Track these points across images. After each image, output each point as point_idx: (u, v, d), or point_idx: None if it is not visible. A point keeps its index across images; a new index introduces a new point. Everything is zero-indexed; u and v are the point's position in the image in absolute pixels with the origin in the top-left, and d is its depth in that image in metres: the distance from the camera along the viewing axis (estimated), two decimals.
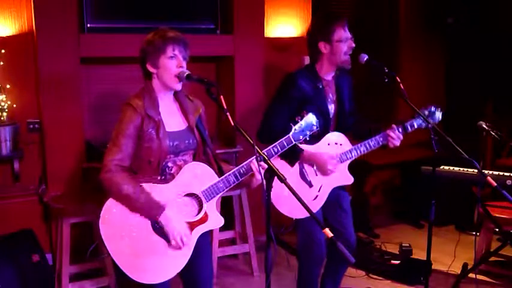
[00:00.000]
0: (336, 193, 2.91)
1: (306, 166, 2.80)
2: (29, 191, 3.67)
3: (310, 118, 2.31)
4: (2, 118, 3.47)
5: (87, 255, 3.64)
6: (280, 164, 2.74)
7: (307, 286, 2.98)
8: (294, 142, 2.29)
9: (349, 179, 2.88)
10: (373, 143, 2.83)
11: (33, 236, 3.38)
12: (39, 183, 3.62)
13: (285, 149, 2.29)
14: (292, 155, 2.71)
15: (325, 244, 2.90)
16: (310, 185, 2.79)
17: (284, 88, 2.80)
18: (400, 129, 2.83)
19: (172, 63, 2.19)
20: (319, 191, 2.81)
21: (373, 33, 5.22)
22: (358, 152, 2.84)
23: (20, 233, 3.36)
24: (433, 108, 2.91)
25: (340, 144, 2.85)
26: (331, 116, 2.87)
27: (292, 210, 2.73)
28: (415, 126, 2.88)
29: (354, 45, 2.79)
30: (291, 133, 2.29)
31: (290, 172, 2.76)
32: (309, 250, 2.90)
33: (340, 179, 2.86)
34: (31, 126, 3.66)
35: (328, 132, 2.85)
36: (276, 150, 2.27)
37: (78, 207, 3.26)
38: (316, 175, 2.81)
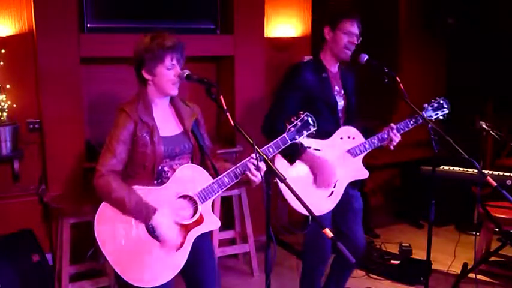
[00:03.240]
0: (349, 194, 2.88)
1: None
2: (29, 191, 3.67)
3: (306, 118, 2.30)
4: (2, 118, 3.47)
5: (85, 259, 3.63)
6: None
7: (310, 283, 2.98)
8: (289, 142, 2.29)
9: (364, 173, 2.86)
10: (385, 135, 2.82)
11: (33, 236, 3.38)
12: (39, 183, 3.62)
13: (281, 149, 2.29)
14: (294, 153, 2.67)
15: (330, 244, 2.87)
16: (318, 186, 2.74)
17: (289, 78, 2.81)
18: (412, 121, 2.83)
19: (170, 73, 2.19)
20: (334, 186, 2.77)
21: (373, 33, 5.21)
22: (372, 145, 2.82)
23: (20, 233, 3.36)
24: (441, 101, 2.91)
25: (353, 138, 2.83)
26: (339, 108, 2.85)
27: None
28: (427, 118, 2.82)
29: (356, 42, 2.79)
30: (286, 133, 2.29)
31: (304, 168, 2.73)
32: (316, 248, 2.89)
33: (355, 173, 2.84)
34: (31, 126, 3.65)
35: (339, 126, 2.84)
36: (271, 150, 2.27)
37: (78, 207, 3.26)
38: None
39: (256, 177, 2.20)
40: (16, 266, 3.18)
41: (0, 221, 3.54)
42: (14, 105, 3.57)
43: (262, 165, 2.12)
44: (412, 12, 5.42)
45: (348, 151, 2.81)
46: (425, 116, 2.81)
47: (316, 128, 2.32)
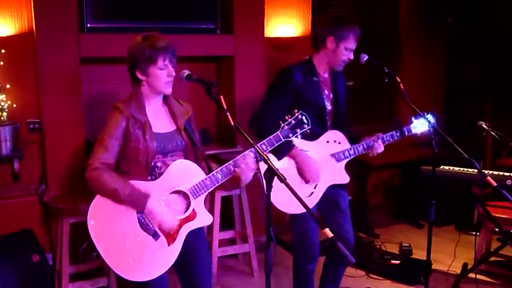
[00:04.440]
0: (335, 193, 2.90)
1: None
2: (29, 191, 3.67)
3: (301, 117, 2.31)
4: (2, 118, 3.47)
5: (79, 255, 3.63)
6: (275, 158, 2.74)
7: (302, 282, 3.01)
8: (282, 140, 2.30)
9: (345, 178, 2.88)
10: (371, 143, 2.84)
11: (33, 236, 3.38)
12: (39, 183, 3.62)
13: (274, 146, 2.30)
14: (282, 149, 2.69)
15: (318, 242, 2.91)
16: (306, 181, 2.78)
17: (279, 80, 2.83)
18: (397, 134, 2.90)
19: (163, 73, 2.22)
20: (314, 188, 2.80)
21: (373, 33, 5.21)
22: (356, 151, 2.85)
23: (20, 233, 3.36)
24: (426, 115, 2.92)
25: (339, 143, 2.86)
26: (327, 112, 2.87)
27: (287, 205, 2.67)
28: (412, 132, 2.92)
29: (352, 57, 2.82)
30: (279, 130, 2.30)
31: (288, 166, 2.75)
32: (303, 248, 2.92)
33: (336, 177, 2.86)
34: (31, 126, 3.65)
35: (326, 129, 2.86)
36: (264, 147, 2.29)
37: (78, 207, 3.25)
38: None
39: (247, 175, 2.22)
40: (16, 266, 3.17)
41: (0, 221, 3.54)
42: (14, 105, 3.57)
43: (261, 164, 2.14)
44: (412, 12, 5.42)
45: (333, 155, 2.83)
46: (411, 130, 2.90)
47: (310, 127, 2.33)
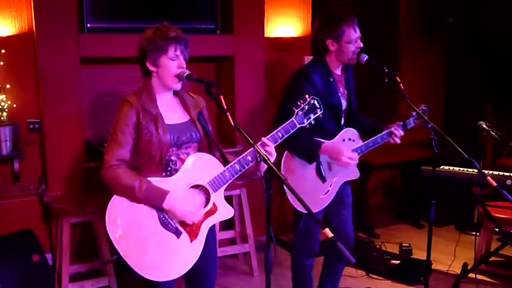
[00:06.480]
0: (341, 189, 2.93)
1: (322, 162, 2.82)
2: (29, 191, 3.66)
3: (313, 101, 2.29)
4: (2, 118, 3.47)
5: (94, 256, 3.62)
6: (298, 161, 2.80)
7: (301, 276, 3.02)
8: (297, 126, 2.27)
9: (356, 174, 2.94)
10: (379, 139, 2.89)
11: (33, 236, 3.38)
12: (39, 183, 3.62)
13: (290, 133, 2.27)
14: (312, 149, 2.74)
15: (319, 240, 2.95)
16: (324, 180, 2.83)
17: (298, 83, 2.82)
18: (401, 128, 2.92)
19: (173, 64, 2.18)
20: (330, 186, 2.85)
21: (373, 33, 5.21)
22: (368, 147, 2.89)
23: (20, 233, 3.35)
24: (424, 107, 2.96)
25: (353, 140, 2.91)
26: (342, 110, 2.90)
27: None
28: (412, 124, 2.96)
29: (361, 44, 2.81)
30: (294, 117, 2.27)
31: (307, 167, 2.80)
32: (305, 243, 2.95)
33: (349, 174, 2.92)
34: (31, 126, 3.65)
35: (340, 126, 2.90)
36: (280, 135, 2.25)
37: (78, 207, 3.26)
38: (330, 170, 2.85)
39: (270, 154, 2.17)
40: (16, 266, 3.17)
41: (0, 221, 3.54)
42: (14, 105, 3.57)
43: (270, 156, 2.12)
44: (412, 12, 5.42)
45: None
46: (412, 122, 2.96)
47: (322, 111, 2.31)
